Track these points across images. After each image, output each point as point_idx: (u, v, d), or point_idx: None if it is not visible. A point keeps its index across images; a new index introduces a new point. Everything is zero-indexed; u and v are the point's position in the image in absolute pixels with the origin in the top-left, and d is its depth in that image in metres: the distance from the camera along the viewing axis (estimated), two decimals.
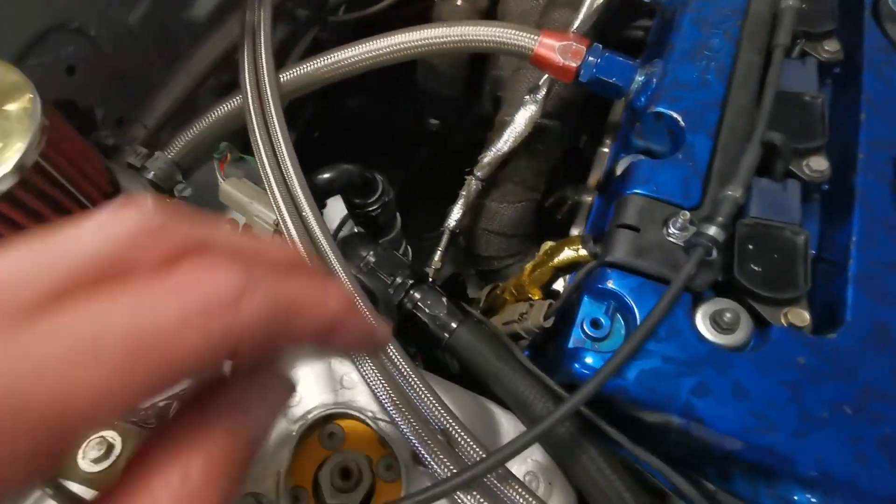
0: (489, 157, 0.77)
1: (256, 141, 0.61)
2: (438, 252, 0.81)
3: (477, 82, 1.06)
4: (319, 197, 0.68)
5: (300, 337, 0.24)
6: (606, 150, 0.91)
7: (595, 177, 0.90)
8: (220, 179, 0.65)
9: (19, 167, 0.47)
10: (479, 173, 0.79)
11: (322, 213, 0.68)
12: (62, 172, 0.51)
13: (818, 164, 0.61)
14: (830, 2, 0.71)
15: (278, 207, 0.57)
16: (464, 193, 0.80)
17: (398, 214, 0.80)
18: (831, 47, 0.69)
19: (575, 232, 0.86)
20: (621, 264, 0.55)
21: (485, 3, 1.01)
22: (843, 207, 0.58)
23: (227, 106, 0.69)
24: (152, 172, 0.64)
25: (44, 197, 0.50)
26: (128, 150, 0.65)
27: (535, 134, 0.77)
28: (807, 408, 0.48)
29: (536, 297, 0.66)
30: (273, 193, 0.57)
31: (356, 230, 0.76)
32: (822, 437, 0.47)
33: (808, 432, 0.47)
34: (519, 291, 0.68)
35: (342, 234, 0.77)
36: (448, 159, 1.44)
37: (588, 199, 0.89)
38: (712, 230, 0.51)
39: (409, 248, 0.88)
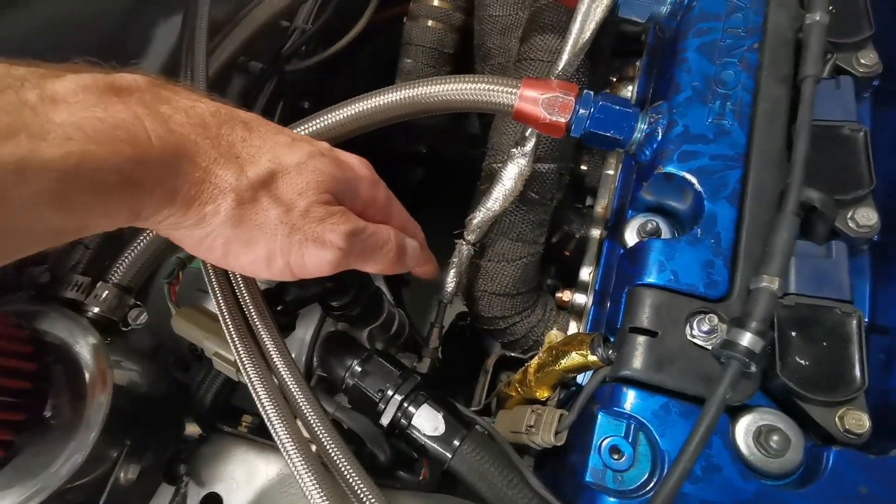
0: (478, 218, 0.72)
1: (204, 264, 0.56)
2: (435, 330, 0.76)
3: None
4: (291, 313, 0.63)
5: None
6: (612, 171, 0.85)
7: (602, 204, 0.84)
8: (172, 309, 0.60)
9: None
10: (469, 237, 0.74)
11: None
12: None
13: (866, 218, 0.54)
14: (862, 3, 0.63)
15: (235, 349, 0.52)
16: (455, 261, 0.75)
17: (384, 294, 0.75)
18: (868, 60, 0.62)
19: (585, 274, 0.81)
20: (639, 380, 0.50)
21: (459, 20, 0.94)
22: None
23: None
24: (96, 308, 0.60)
25: None
26: (66, 283, 0.61)
27: (528, 183, 0.71)
28: None
29: (544, 397, 0.61)
30: (227, 328, 0.53)
31: (339, 326, 0.72)
32: None
33: None
34: (525, 391, 0.63)
35: (325, 331, 0.73)
36: (443, 175, 1.40)
37: (596, 233, 0.83)
38: (747, 339, 0.46)
39: (405, 320, 0.83)
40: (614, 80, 0.92)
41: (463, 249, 0.75)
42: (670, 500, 0.44)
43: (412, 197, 1.30)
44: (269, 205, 0.43)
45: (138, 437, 0.63)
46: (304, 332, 0.75)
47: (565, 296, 0.83)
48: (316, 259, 0.46)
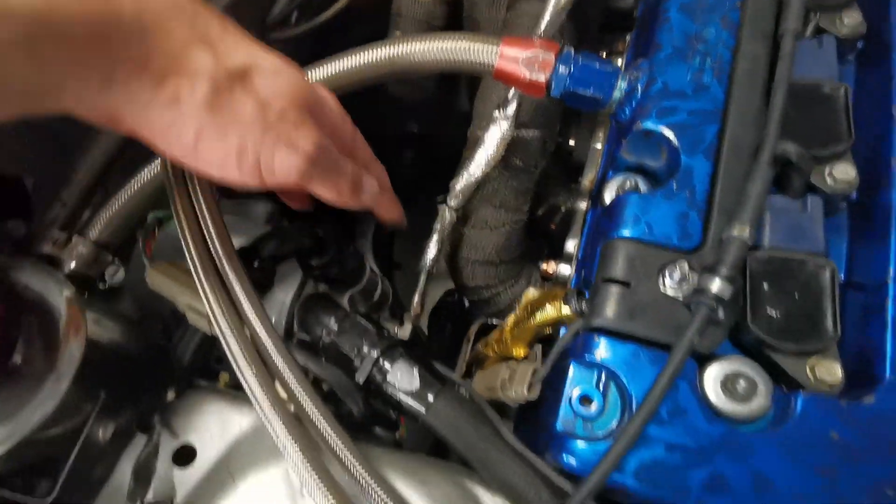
0: (461, 183, 0.72)
1: (178, 213, 0.56)
2: (416, 296, 0.77)
3: (453, 76, 1.00)
4: (267, 269, 0.64)
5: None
6: (599, 145, 0.85)
7: (589, 177, 0.85)
8: (147, 264, 0.61)
9: None
10: (452, 202, 0.74)
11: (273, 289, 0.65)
12: None
13: (844, 173, 0.55)
14: None
15: (207, 300, 0.53)
16: (437, 226, 0.75)
17: (366, 258, 0.76)
18: (851, 20, 0.62)
19: (570, 246, 0.81)
20: (610, 329, 0.50)
21: None
22: (877, 227, 0.53)
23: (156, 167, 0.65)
24: (72, 263, 0.61)
25: None
26: (43, 238, 0.61)
27: (511, 149, 0.72)
28: (843, 496, 0.43)
29: (521, 355, 0.62)
30: (200, 282, 0.53)
31: (320, 288, 0.72)
32: None
33: None
34: (501, 348, 0.63)
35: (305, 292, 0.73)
36: (436, 156, 1.41)
37: (582, 206, 0.84)
38: (716, 285, 0.47)
39: (385, 285, 0.84)
40: (604, 54, 0.92)
41: (446, 214, 0.75)
42: (633, 440, 0.45)
43: (405, 178, 1.32)
44: (245, 98, 0.43)
45: (114, 394, 0.63)
46: (285, 295, 0.76)
47: (550, 267, 0.83)
48: (285, 162, 0.46)
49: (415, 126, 1.25)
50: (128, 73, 0.39)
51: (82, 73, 0.38)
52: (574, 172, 0.95)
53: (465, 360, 0.77)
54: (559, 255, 0.85)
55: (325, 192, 0.52)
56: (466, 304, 0.99)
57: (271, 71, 0.45)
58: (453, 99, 1.13)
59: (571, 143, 0.92)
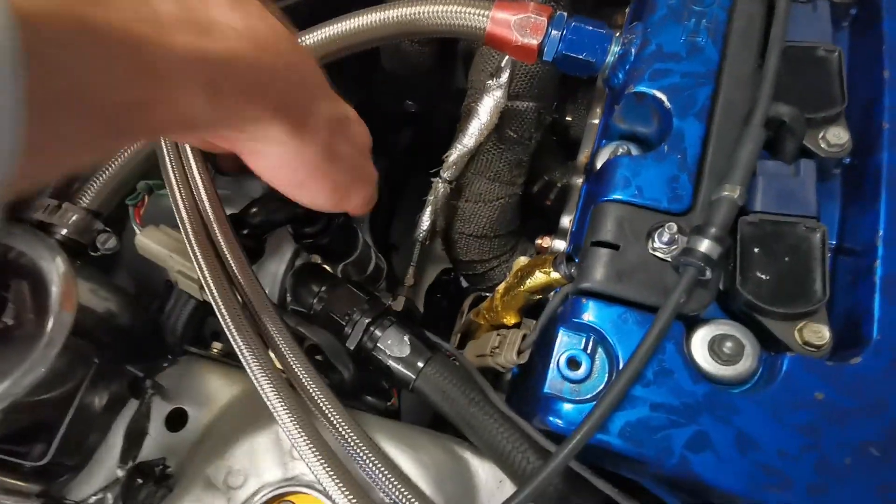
0: (455, 154, 0.73)
1: (170, 180, 0.57)
2: (411, 268, 0.77)
3: (449, 53, 1.00)
4: (259, 236, 0.64)
5: None
6: (597, 121, 0.85)
7: (585, 153, 0.85)
8: (137, 230, 0.62)
9: None
10: (445, 174, 0.75)
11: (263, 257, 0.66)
12: None
13: (837, 137, 0.55)
14: None
15: (198, 264, 0.53)
16: (431, 199, 0.76)
17: (359, 230, 0.76)
18: None
19: (566, 221, 0.82)
20: (598, 292, 0.50)
21: None
22: (867, 190, 0.53)
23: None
24: (63, 230, 0.61)
25: None
26: (34, 205, 0.62)
27: (505, 121, 0.72)
28: (826, 455, 0.44)
29: (512, 323, 0.62)
30: (191, 246, 0.54)
31: (312, 259, 0.73)
32: (844, 490, 0.43)
33: (828, 485, 0.43)
34: (493, 316, 0.64)
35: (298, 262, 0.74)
36: (434, 135, 1.41)
37: (579, 181, 0.84)
38: (704, 245, 0.47)
39: (380, 260, 0.85)
40: None
41: (439, 187, 0.76)
42: (617, 400, 0.45)
43: (403, 157, 1.32)
44: (345, 144, 0.49)
45: (108, 361, 0.64)
46: (277, 266, 0.77)
47: (545, 242, 0.84)
48: (363, 195, 0.53)
49: (413, 105, 1.25)
50: (270, 117, 0.41)
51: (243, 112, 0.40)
52: (570, 148, 0.95)
53: (459, 332, 0.78)
54: (555, 231, 0.85)
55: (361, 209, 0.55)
56: (463, 283, 1.00)
57: (356, 120, 0.52)
58: (451, 77, 1.12)
59: (568, 118, 0.93)
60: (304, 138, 0.44)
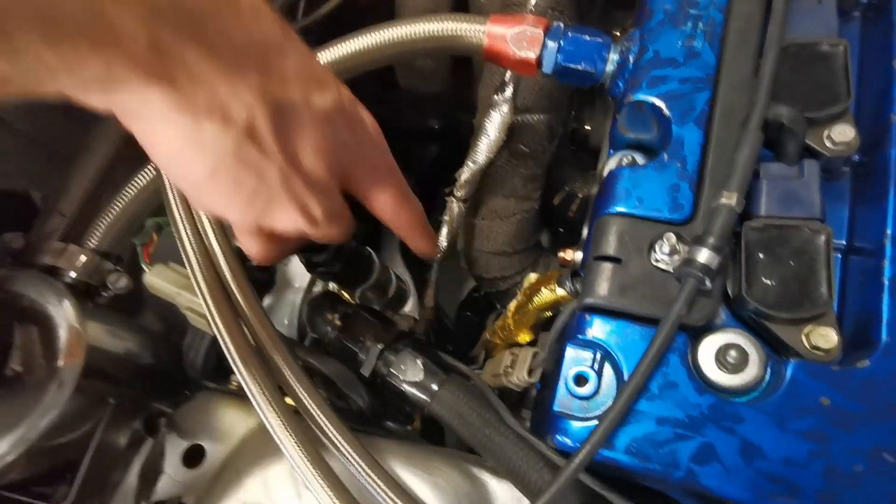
0: (466, 173, 0.77)
1: (174, 216, 0.63)
2: (429, 292, 0.82)
3: (467, 67, 1.05)
4: (267, 268, 0.70)
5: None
6: None
7: (604, 162, 0.88)
8: (145, 269, 0.67)
9: None
10: (458, 193, 0.79)
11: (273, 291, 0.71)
12: None
13: (842, 135, 0.57)
14: None
15: (204, 300, 0.59)
16: (446, 218, 0.80)
17: (373, 255, 0.81)
18: None
19: (586, 232, 0.85)
20: (602, 307, 0.54)
21: None
22: (875, 188, 0.56)
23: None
24: (72, 273, 0.67)
25: None
26: (42, 250, 0.68)
27: (516, 135, 0.76)
28: (835, 462, 0.46)
29: (526, 340, 0.66)
30: (197, 281, 0.59)
31: (329, 286, 0.78)
32: (857, 497, 0.46)
33: (838, 494, 0.46)
34: (506, 335, 0.68)
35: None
36: (459, 150, 1.45)
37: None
38: (703, 255, 0.50)
39: (402, 282, 0.89)
40: (617, 33, 0.96)
41: (454, 206, 0.80)
42: (621, 415, 0.49)
43: (430, 174, 1.37)
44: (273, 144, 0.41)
45: (125, 401, 0.70)
46: (295, 295, 0.82)
47: (567, 254, 0.87)
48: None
49: (435, 121, 1.30)
50: (142, 78, 0.34)
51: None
52: (591, 158, 0.98)
53: (480, 351, 0.82)
54: (578, 243, 0.89)
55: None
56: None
57: (339, 111, 0.50)
58: (471, 90, 1.17)
59: (587, 127, 0.96)
60: (209, 116, 0.35)
